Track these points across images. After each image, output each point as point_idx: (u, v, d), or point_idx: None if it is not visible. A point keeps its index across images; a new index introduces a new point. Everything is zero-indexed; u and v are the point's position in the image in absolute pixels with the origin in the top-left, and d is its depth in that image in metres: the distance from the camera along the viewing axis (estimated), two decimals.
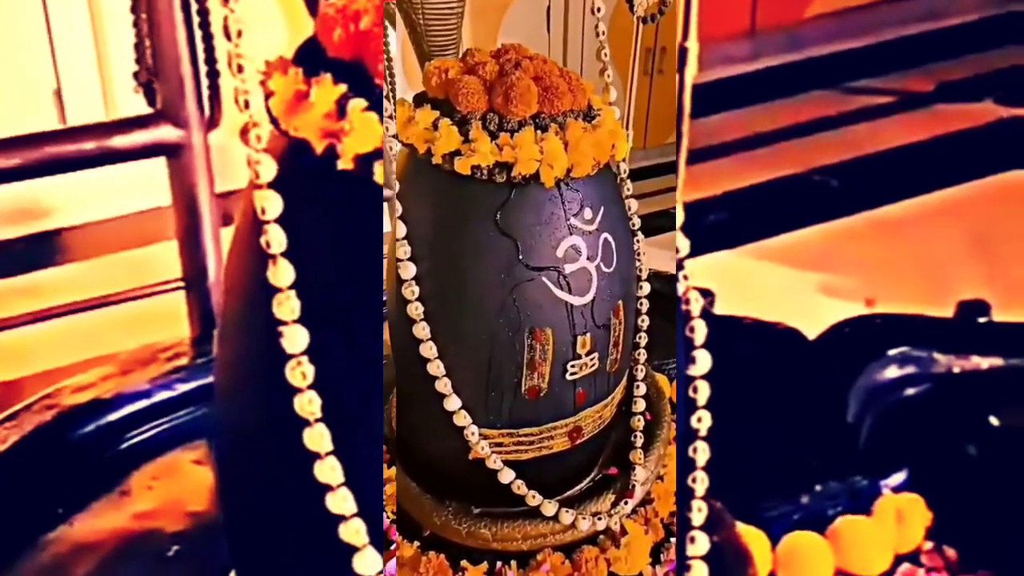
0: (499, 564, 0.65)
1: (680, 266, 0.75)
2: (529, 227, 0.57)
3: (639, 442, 0.73)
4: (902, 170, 2.27)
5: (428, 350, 0.58)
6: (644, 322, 0.72)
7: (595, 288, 0.60)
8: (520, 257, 0.56)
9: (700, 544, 0.76)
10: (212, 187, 1.24)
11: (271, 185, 0.63)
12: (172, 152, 1.23)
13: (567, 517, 0.64)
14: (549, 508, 0.64)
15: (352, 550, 0.65)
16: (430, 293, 0.58)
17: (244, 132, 0.58)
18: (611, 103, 0.63)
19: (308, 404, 0.63)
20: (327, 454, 0.63)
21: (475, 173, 0.55)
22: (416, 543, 0.67)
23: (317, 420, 0.63)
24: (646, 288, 0.69)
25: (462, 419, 0.60)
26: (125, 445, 1.12)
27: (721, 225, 1.95)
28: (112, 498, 1.05)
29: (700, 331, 0.75)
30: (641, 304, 0.69)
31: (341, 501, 0.63)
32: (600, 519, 0.66)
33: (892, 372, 1.14)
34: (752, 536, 0.93)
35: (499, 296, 0.57)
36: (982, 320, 1.19)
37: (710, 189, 2.06)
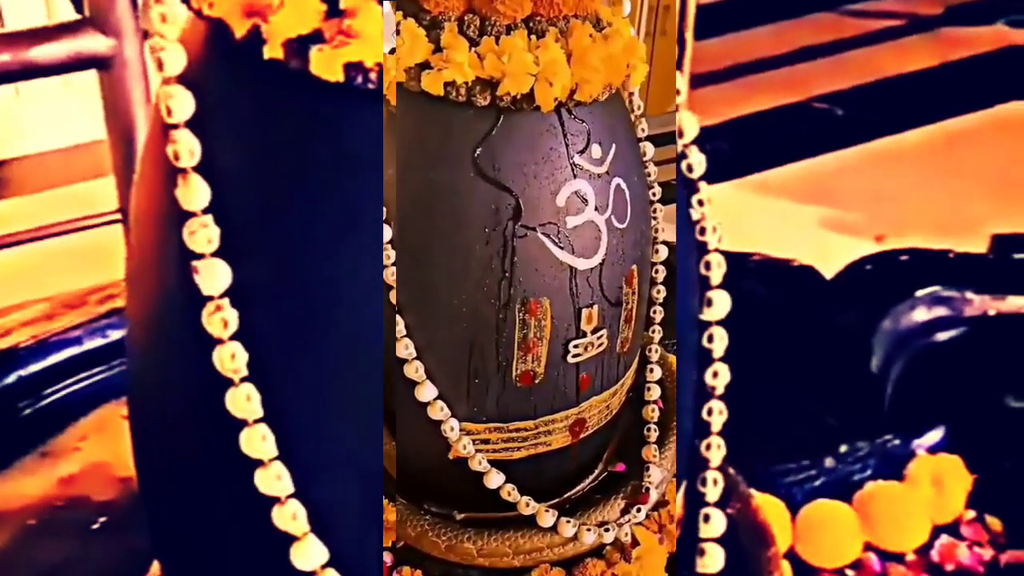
0: None
1: (694, 188, 0.63)
2: (521, 167, 0.44)
3: (653, 436, 0.61)
4: (909, 98, 2.15)
5: (399, 326, 0.47)
6: (660, 293, 0.61)
7: (604, 248, 0.47)
8: (509, 206, 0.44)
9: (715, 523, 0.65)
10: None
11: (180, 79, 0.50)
12: (102, 65, 1.09)
13: (568, 529, 0.52)
14: (546, 518, 0.52)
15: (288, 539, 0.52)
16: (400, 255, 0.46)
17: (145, 7, 0.48)
18: (623, 17, 0.49)
19: (230, 359, 0.51)
20: (256, 421, 0.51)
21: (449, 93, 0.43)
22: (389, 554, 0.53)
23: (243, 379, 0.51)
24: (663, 252, 0.59)
25: (438, 411, 0.49)
26: (48, 400, 1.00)
27: (720, 156, 1.83)
28: (31, 461, 0.93)
29: (718, 267, 0.63)
30: (656, 272, 0.59)
31: (273, 479, 0.51)
32: (608, 530, 0.53)
33: (921, 315, 1.03)
34: (769, 507, 0.82)
35: (483, 258, 0.45)
36: (1019, 256, 1.07)
37: (708, 118, 1.94)
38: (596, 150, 0.46)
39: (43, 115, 1.87)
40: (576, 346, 0.49)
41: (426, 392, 0.49)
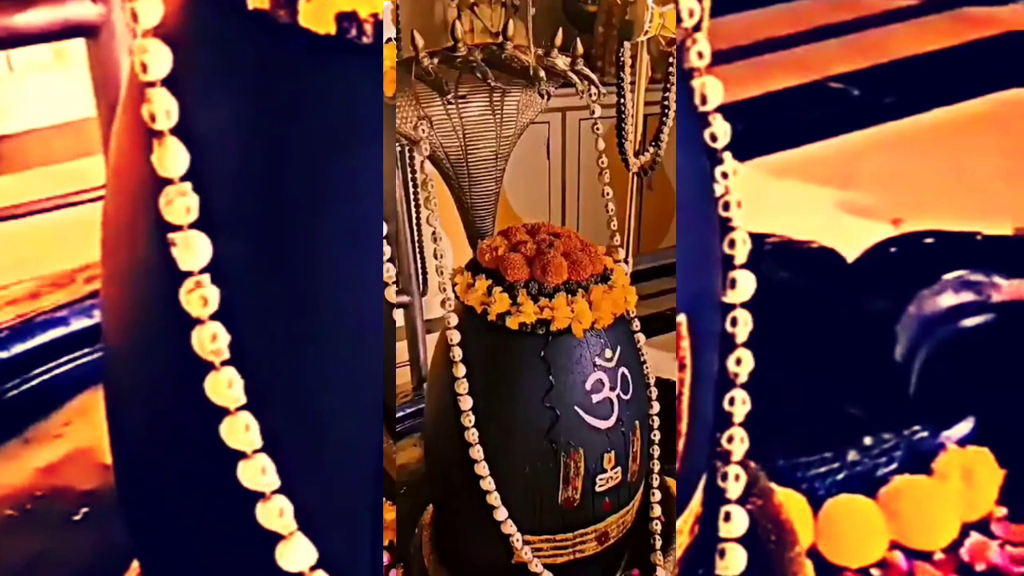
0: None
1: (718, 158, 0.58)
2: (563, 367, 0.68)
3: (658, 544, 0.79)
4: (927, 78, 2.10)
5: (481, 469, 0.68)
6: (657, 437, 0.80)
7: (616, 413, 0.70)
8: (558, 391, 0.67)
9: (737, 522, 0.61)
10: None
11: (156, 33, 0.46)
12: (90, 33, 1.04)
13: None
14: None
15: (274, 538, 0.48)
16: (483, 421, 0.68)
17: None
18: (617, 261, 0.77)
19: (210, 341, 0.47)
20: (238, 409, 0.47)
21: (522, 328, 0.68)
22: (385, 555, 0.73)
23: (224, 363, 0.46)
24: (656, 407, 0.79)
25: (509, 528, 0.69)
26: (32, 383, 0.95)
27: (732, 136, 1.77)
28: (12, 447, 0.88)
29: (743, 244, 0.59)
30: (653, 421, 0.79)
31: (257, 473, 0.47)
32: None
33: (947, 300, 0.98)
34: (791, 502, 0.77)
35: (542, 423, 0.67)
36: None
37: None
38: (608, 353, 0.70)
39: (36, 91, 1.82)
40: (601, 479, 0.70)
41: (500, 514, 0.69)
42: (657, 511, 0.79)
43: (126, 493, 0.58)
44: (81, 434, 0.89)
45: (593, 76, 0.77)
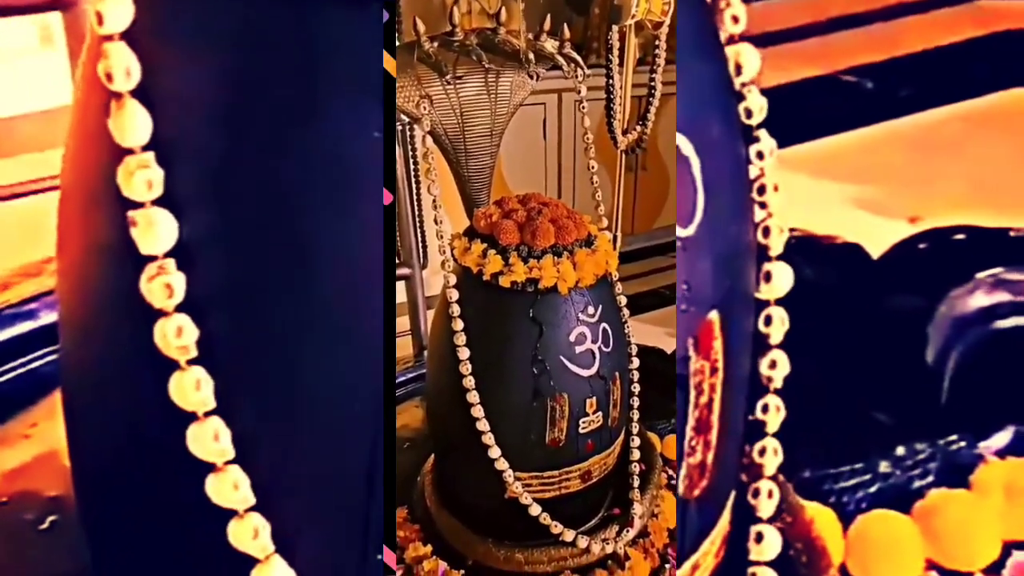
0: None
1: (753, 136, 0.53)
2: (550, 321, 0.74)
3: (636, 484, 0.86)
4: (943, 72, 2.04)
5: (477, 411, 0.74)
6: (636, 389, 0.87)
7: (597, 363, 0.76)
8: (545, 342, 0.73)
9: (769, 544, 0.55)
10: None
11: None
12: (65, 7, 0.99)
13: (583, 542, 0.77)
14: (568, 535, 0.77)
15: (248, 562, 0.42)
16: (479, 370, 0.75)
17: None
18: (602, 229, 0.82)
19: (175, 335, 0.40)
20: (207, 414, 0.41)
21: (513, 286, 0.73)
22: (462, 571, 0.79)
23: (191, 361, 0.40)
24: (636, 363, 0.87)
25: (502, 464, 0.75)
26: (1, 380, 0.88)
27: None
28: None
29: (779, 233, 0.53)
30: (633, 375, 0.86)
31: (228, 488, 0.41)
32: (608, 544, 0.78)
33: (980, 300, 0.92)
34: (820, 518, 0.71)
35: (531, 371, 0.73)
36: None
37: None
38: (591, 309, 0.76)
39: (20, 76, 1.77)
40: (584, 422, 0.76)
41: (494, 452, 0.75)
42: (636, 455, 0.87)
43: (85, 506, 0.52)
44: (49, 435, 0.83)
45: (579, 58, 0.87)
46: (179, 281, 0.40)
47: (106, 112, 0.40)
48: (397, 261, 1.39)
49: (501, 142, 0.91)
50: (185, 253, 0.40)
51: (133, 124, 0.39)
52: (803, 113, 1.80)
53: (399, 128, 1.27)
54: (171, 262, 0.40)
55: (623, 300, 0.86)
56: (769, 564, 0.54)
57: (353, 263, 0.42)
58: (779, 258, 0.54)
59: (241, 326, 0.42)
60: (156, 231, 0.40)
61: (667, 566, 0.81)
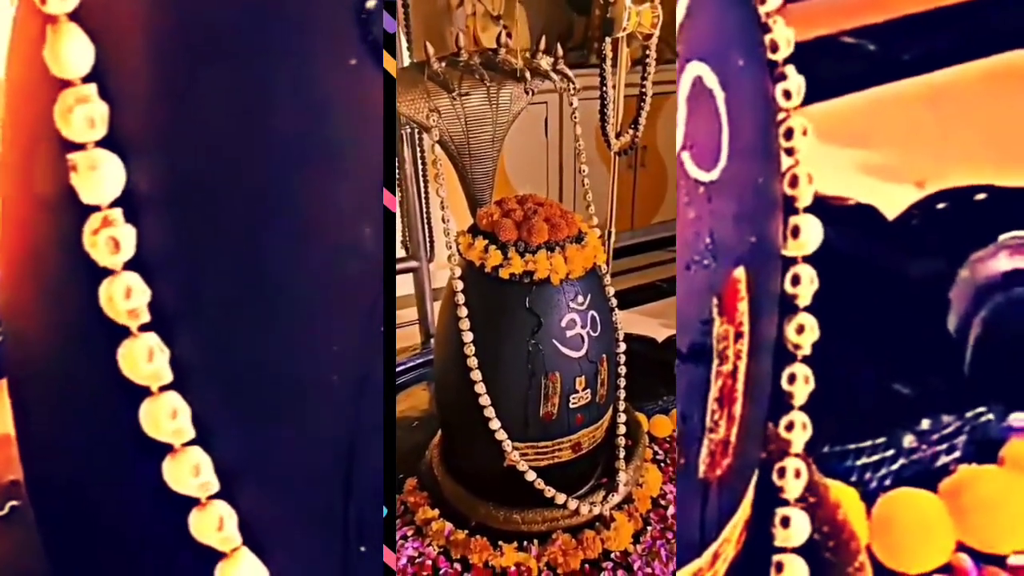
0: (525, 542, 0.88)
1: (778, 73, 0.48)
2: (544, 308, 0.84)
3: (622, 455, 0.97)
4: (947, 33, 1.99)
5: (479, 388, 0.84)
6: (623, 370, 0.96)
7: (586, 346, 0.86)
8: (540, 327, 0.84)
9: (797, 528, 0.50)
10: None
11: None
12: None
13: (573, 505, 0.87)
14: (560, 499, 0.87)
15: (212, 555, 0.37)
16: (481, 352, 0.85)
17: None
18: (592, 226, 0.92)
19: (124, 297, 0.35)
20: (162, 389, 0.35)
21: (512, 278, 0.84)
22: (465, 530, 0.90)
23: (143, 327, 0.35)
24: (623, 347, 0.95)
25: (501, 435, 0.84)
26: None
27: None
28: None
29: (807, 183, 0.48)
30: (619, 358, 0.95)
31: (187, 473, 0.36)
32: (595, 507, 0.88)
33: (1002, 263, 0.87)
34: (843, 497, 0.66)
35: (527, 352, 0.84)
36: None
37: None
38: (580, 298, 0.85)
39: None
40: (574, 398, 0.86)
41: (494, 424, 0.84)
42: (622, 429, 0.98)
43: (35, 491, 0.47)
44: (5, 417, 0.78)
45: (571, 74, 0.99)
46: (127, 235, 0.35)
47: (43, 39, 0.35)
48: (405, 254, 1.51)
49: (503, 146, 1.03)
50: (134, 203, 0.35)
51: (71, 52, 0.34)
52: (803, 76, 1.74)
53: (407, 131, 1.39)
54: (118, 212, 0.35)
55: (611, 291, 0.97)
56: (797, 551, 0.50)
57: (328, 208, 0.37)
58: (807, 210, 0.50)
59: (200, 288, 0.36)
60: (100, 176, 0.34)
61: (647, 528, 0.93)
